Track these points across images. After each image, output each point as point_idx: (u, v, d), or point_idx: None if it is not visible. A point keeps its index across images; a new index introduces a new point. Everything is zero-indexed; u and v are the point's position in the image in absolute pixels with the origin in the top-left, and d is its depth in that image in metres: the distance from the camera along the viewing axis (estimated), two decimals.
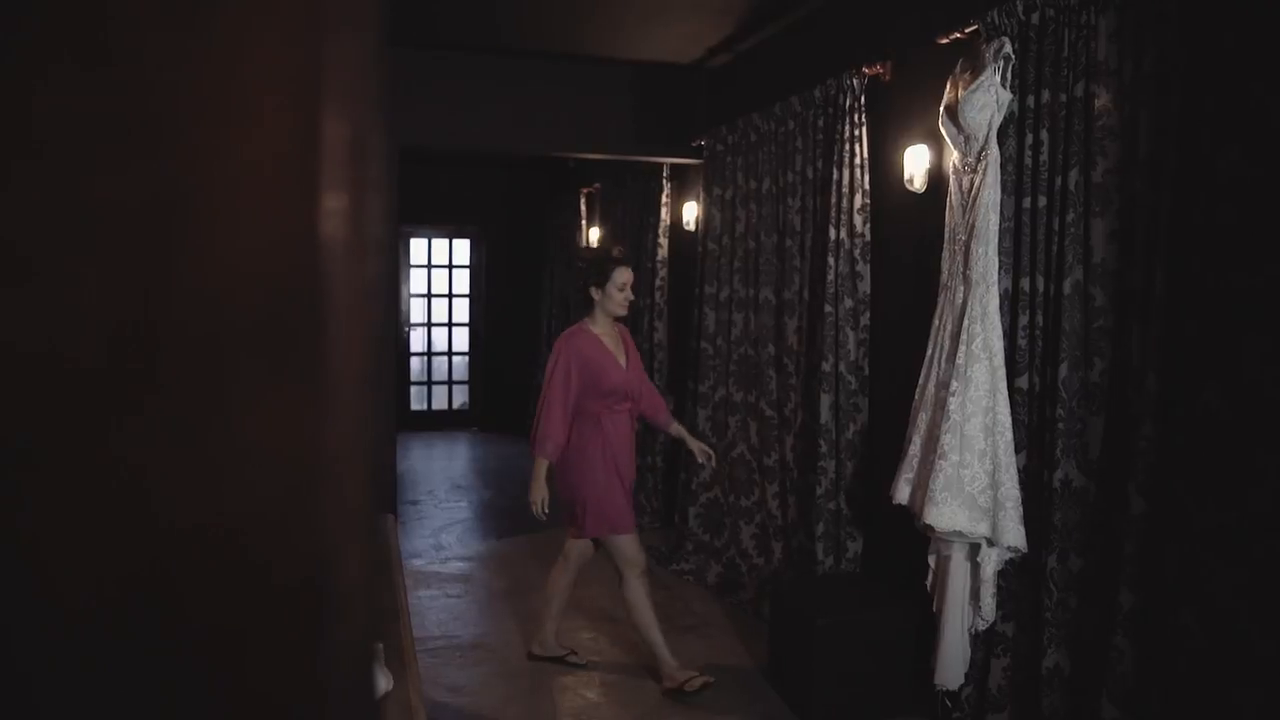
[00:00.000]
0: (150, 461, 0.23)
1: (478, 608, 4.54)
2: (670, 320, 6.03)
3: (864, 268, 3.80)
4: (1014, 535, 2.76)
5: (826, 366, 3.89)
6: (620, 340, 3.64)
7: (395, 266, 7.31)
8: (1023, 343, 2.80)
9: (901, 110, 3.65)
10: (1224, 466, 2.21)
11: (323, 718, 0.25)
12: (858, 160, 3.77)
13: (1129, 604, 2.42)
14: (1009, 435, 2.82)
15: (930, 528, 2.90)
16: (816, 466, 3.91)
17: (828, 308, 3.87)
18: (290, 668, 0.24)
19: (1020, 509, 2.78)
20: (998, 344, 2.84)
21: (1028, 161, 2.77)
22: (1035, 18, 2.74)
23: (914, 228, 3.58)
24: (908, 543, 3.60)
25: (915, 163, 3.47)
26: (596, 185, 7.52)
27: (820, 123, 4.05)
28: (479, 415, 9.66)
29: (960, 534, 2.86)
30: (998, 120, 2.85)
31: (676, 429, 3.86)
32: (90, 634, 0.23)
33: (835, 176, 3.85)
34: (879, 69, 3.71)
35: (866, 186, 3.77)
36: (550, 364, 3.56)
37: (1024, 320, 2.79)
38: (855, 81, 3.77)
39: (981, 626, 2.93)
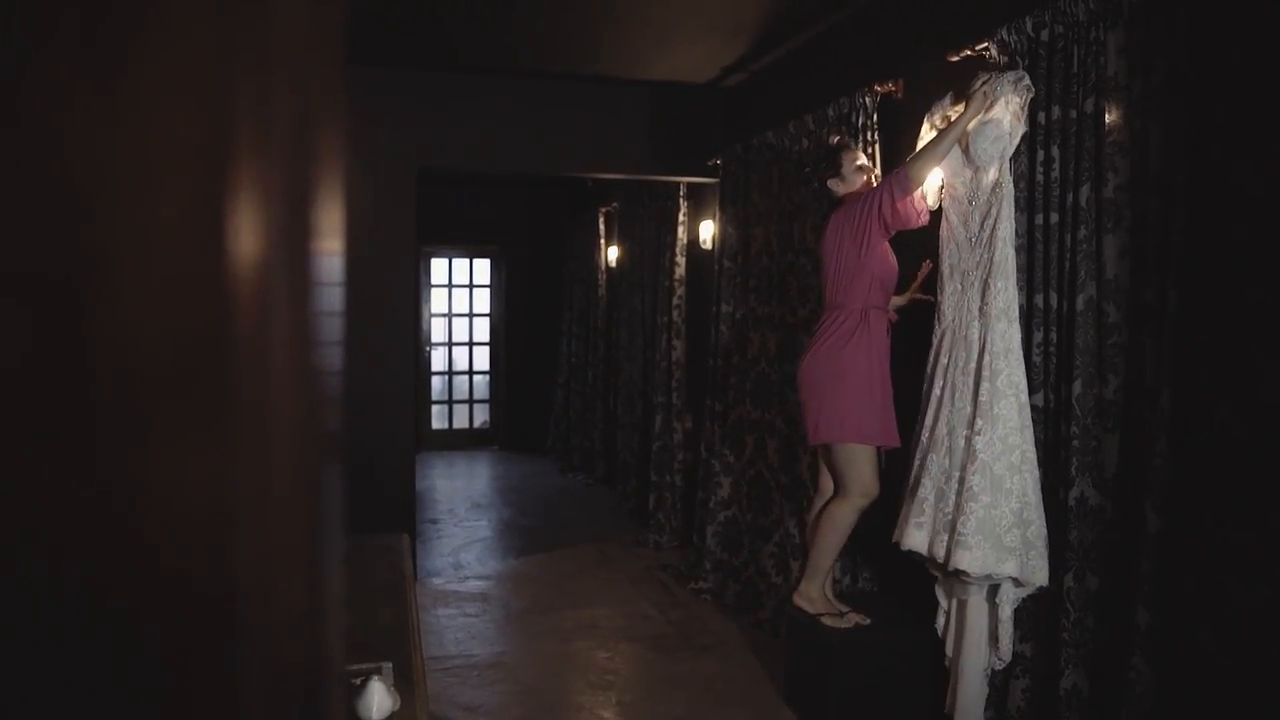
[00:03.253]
0: (69, 492, 0.25)
1: (495, 627, 4.55)
2: (688, 338, 6.04)
3: None
4: (1043, 574, 2.72)
5: None
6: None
7: (416, 286, 7.40)
8: (1036, 360, 2.79)
9: (914, 128, 3.65)
10: (1241, 484, 2.18)
11: None
12: (872, 179, 3.77)
13: (1147, 624, 2.39)
14: (1037, 472, 2.75)
15: (964, 573, 2.83)
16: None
17: None
18: (203, 683, 0.26)
19: (1048, 547, 2.74)
20: (1023, 381, 2.78)
21: (1039, 178, 2.76)
22: (1045, 35, 2.74)
23: (927, 246, 3.57)
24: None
25: (928, 180, 3.46)
26: (614, 204, 7.57)
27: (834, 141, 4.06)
28: (500, 434, 9.70)
29: (989, 576, 2.80)
30: (1010, 152, 2.83)
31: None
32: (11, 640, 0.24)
33: None
34: (891, 87, 3.72)
35: None
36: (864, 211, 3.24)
37: (1038, 337, 2.78)
38: (868, 99, 3.78)
39: (998, 666, 2.88)
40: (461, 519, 6.68)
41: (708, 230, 5.78)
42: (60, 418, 0.24)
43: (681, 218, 6.04)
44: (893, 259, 3.36)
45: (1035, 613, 2.85)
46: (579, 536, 6.20)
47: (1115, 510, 2.59)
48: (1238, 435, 2.18)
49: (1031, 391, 2.80)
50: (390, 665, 1.85)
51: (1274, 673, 2.09)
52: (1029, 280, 2.82)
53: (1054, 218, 2.73)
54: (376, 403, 5.03)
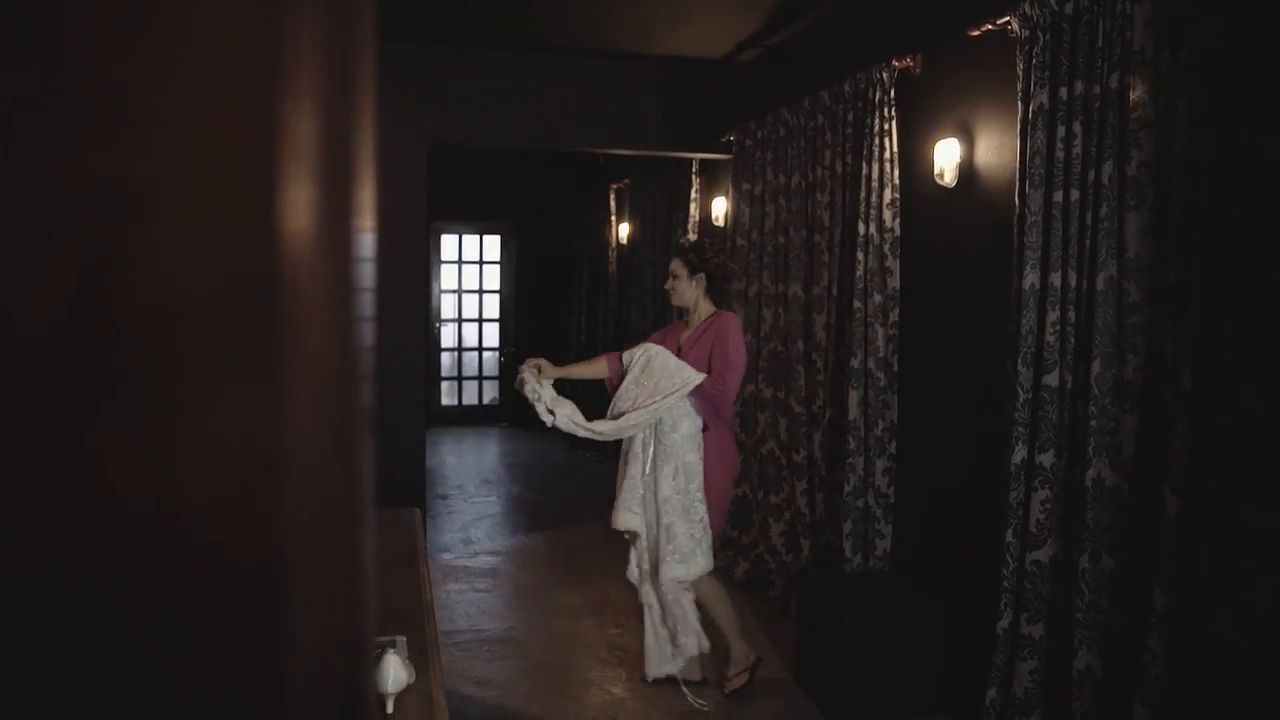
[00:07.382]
0: (103, 448, 0.23)
1: (505, 602, 4.56)
2: None
3: (893, 263, 3.76)
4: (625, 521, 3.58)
5: (855, 363, 3.86)
6: (697, 333, 3.58)
7: (426, 263, 7.39)
8: (1052, 339, 2.75)
9: (931, 103, 3.60)
10: (1261, 466, 2.16)
11: (283, 710, 0.25)
12: (887, 154, 3.73)
13: (1162, 606, 2.37)
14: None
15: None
16: (845, 463, 3.88)
17: (857, 303, 3.84)
18: (247, 660, 0.24)
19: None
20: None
21: (1059, 154, 2.72)
22: (1069, 7, 2.69)
23: (944, 222, 3.54)
24: (937, 540, 3.57)
25: (945, 156, 3.42)
26: (626, 181, 7.52)
27: (849, 117, 4.01)
28: (509, 410, 9.71)
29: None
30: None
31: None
32: (42, 626, 0.23)
33: (864, 171, 3.81)
34: (909, 62, 3.67)
35: (896, 181, 3.73)
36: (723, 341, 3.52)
37: (1054, 316, 2.75)
38: (885, 75, 3.73)
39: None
40: (471, 495, 6.70)
41: (720, 207, 5.74)
42: (94, 360, 0.22)
43: (694, 194, 6.00)
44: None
45: (1048, 594, 2.84)
46: (588, 513, 6.21)
47: (1133, 491, 2.57)
48: (1259, 417, 2.16)
49: (1046, 371, 2.78)
50: (405, 639, 1.85)
51: None
52: (1045, 258, 2.79)
53: (1074, 195, 2.69)
54: (387, 379, 5.03)
